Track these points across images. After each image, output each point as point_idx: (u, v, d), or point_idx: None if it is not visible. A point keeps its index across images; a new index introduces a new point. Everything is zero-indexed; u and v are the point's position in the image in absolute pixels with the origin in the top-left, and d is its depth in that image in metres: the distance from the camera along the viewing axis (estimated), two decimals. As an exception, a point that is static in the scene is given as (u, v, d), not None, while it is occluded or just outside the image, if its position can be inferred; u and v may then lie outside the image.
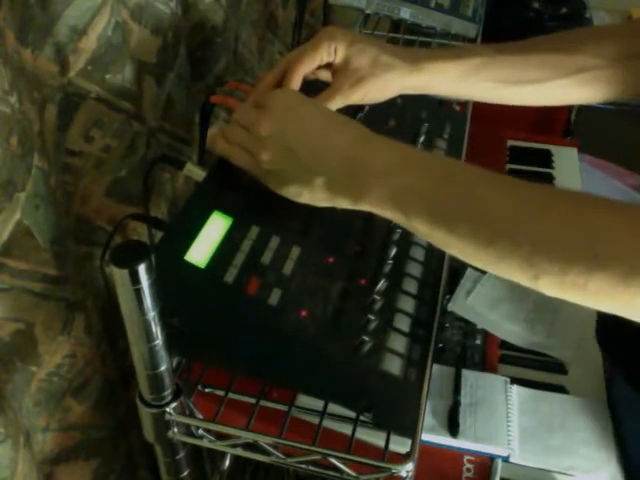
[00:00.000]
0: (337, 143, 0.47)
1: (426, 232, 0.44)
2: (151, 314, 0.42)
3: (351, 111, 0.65)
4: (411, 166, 0.46)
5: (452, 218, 0.43)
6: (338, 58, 0.59)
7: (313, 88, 0.59)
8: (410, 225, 0.45)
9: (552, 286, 0.41)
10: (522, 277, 0.42)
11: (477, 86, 0.61)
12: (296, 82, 0.58)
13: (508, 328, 0.74)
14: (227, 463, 0.82)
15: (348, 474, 0.48)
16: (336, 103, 0.58)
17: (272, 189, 0.51)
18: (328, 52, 0.59)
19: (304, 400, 0.55)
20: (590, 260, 0.39)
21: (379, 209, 0.45)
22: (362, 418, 0.49)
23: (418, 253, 0.57)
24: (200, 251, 0.49)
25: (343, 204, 0.47)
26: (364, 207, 0.46)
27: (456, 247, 0.44)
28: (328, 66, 0.61)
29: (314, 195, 0.48)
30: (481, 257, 0.43)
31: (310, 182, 0.47)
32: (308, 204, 0.50)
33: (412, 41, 0.97)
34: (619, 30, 0.65)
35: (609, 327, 0.70)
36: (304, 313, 0.48)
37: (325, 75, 0.62)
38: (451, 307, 0.75)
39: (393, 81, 0.59)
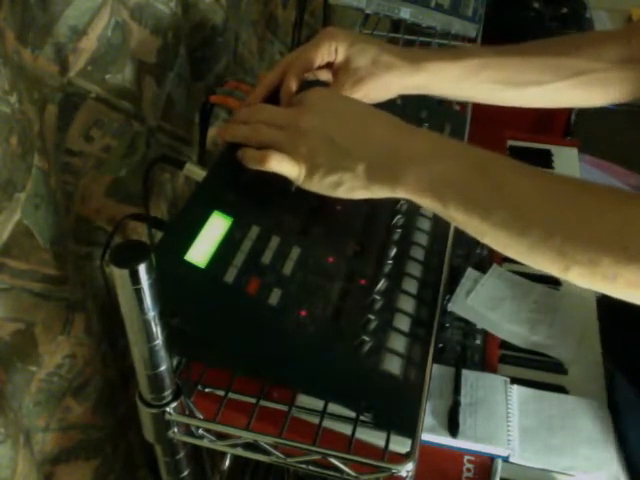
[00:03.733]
0: (376, 132, 0.48)
1: (462, 220, 0.46)
2: (151, 314, 0.42)
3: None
4: (448, 155, 0.47)
5: (487, 207, 0.44)
6: (339, 58, 0.59)
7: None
8: (447, 213, 0.46)
9: (583, 277, 0.42)
10: (553, 267, 0.43)
11: (477, 87, 0.62)
12: (296, 81, 0.59)
13: (508, 328, 0.74)
14: (227, 463, 0.82)
15: (348, 474, 0.48)
16: None
17: (308, 186, 0.50)
18: (329, 52, 0.59)
19: (304, 400, 0.55)
20: (620, 252, 0.40)
21: (416, 196, 0.47)
22: (362, 418, 0.49)
23: (418, 253, 0.57)
24: (200, 251, 0.49)
25: (380, 192, 0.48)
26: (401, 194, 0.47)
27: (490, 236, 0.45)
28: (328, 66, 0.61)
29: (353, 183, 0.48)
30: (514, 246, 0.44)
31: (351, 170, 0.47)
32: (341, 197, 0.50)
33: (412, 41, 0.97)
34: (617, 34, 0.65)
35: (613, 327, 0.70)
36: (304, 313, 0.48)
37: (325, 75, 0.62)
38: (451, 307, 0.75)
39: (393, 81, 0.60)
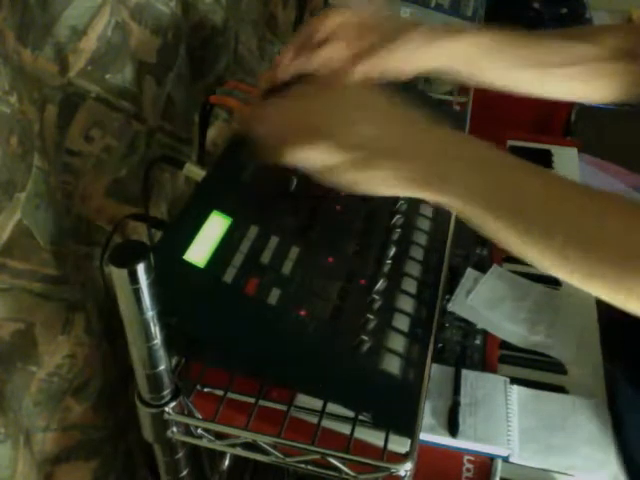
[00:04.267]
0: (421, 135, 0.47)
1: (494, 229, 0.45)
2: (150, 314, 0.42)
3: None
4: (484, 164, 0.47)
5: (517, 215, 0.44)
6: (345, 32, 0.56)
7: None
8: (476, 221, 0.45)
9: (585, 283, 0.42)
10: (560, 271, 0.43)
11: (490, 66, 0.60)
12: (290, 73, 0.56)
13: (508, 328, 0.74)
14: (226, 463, 0.82)
15: (347, 473, 0.48)
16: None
17: (340, 180, 0.47)
18: (331, 29, 0.57)
19: (303, 400, 0.55)
20: (622, 261, 0.39)
21: (446, 202, 0.45)
22: (361, 418, 0.49)
23: (417, 253, 0.57)
24: (199, 251, 0.49)
25: (409, 192, 0.46)
26: (428, 196, 0.46)
27: (521, 247, 0.45)
28: None
29: (389, 181, 0.46)
30: (512, 243, 0.45)
31: (394, 169, 0.45)
32: (370, 193, 0.47)
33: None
34: (620, 27, 0.65)
35: (614, 328, 0.70)
36: (303, 313, 0.48)
37: None
38: (451, 307, 0.75)
39: (411, 54, 0.58)
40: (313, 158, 0.47)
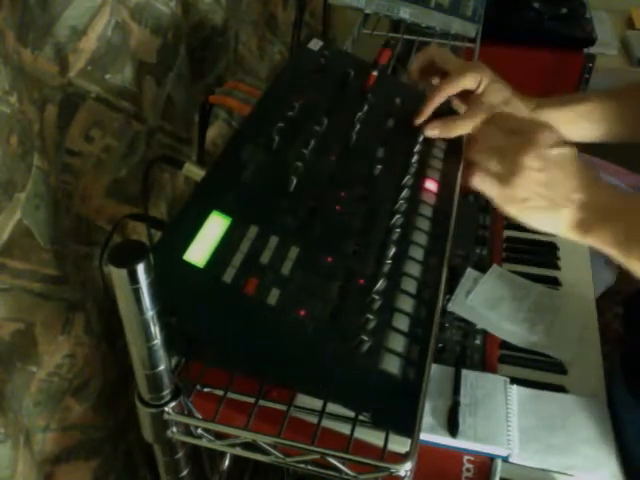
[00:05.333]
0: (585, 186, 0.53)
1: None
2: (149, 314, 0.42)
3: (351, 110, 0.65)
4: (637, 211, 0.53)
5: None
6: (480, 89, 0.68)
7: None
8: (630, 264, 0.52)
9: None
10: None
11: (588, 127, 0.70)
12: (444, 98, 0.67)
13: (508, 328, 0.74)
14: (226, 463, 0.82)
15: (347, 473, 0.48)
16: (468, 127, 0.66)
17: (508, 212, 0.55)
18: (473, 82, 0.67)
19: (303, 400, 0.55)
20: None
21: (601, 246, 0.53)
22: (361, 418, 0.49)
23: (417, 253, 0.56)
24: (199, 251, 0.49)
25: (570, 235, 0.54)
26: (587, 241, 0.53)
27: None
28: (463, 93, 0.69)
29: (553, 223, 0.54)
30: None
31: (557, 212, 0.53)
32: (526, 224, 0.55)
33: (412, 41, 0.97)
34: None
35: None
36: (303, 313, 0.48)
37: (455, 102, 0.71)
38: (451, 307, 0.75)
39: None
40: (499, 194, 0.54)
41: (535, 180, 0.52)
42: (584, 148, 0.98)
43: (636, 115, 0.69)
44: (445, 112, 0.69)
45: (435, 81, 0.73)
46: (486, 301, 0.76)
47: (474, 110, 0.68)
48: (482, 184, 0.55)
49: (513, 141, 0.54)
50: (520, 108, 0.69)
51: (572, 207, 0.53)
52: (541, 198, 0.53)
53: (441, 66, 0.70)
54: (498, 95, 0.68)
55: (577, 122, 0.69)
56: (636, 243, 0.51)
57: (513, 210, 0.54)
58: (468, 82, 0.68)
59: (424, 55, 0.72)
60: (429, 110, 0.68)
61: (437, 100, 0.68)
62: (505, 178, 0.53)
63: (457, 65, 0.70)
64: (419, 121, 0.67)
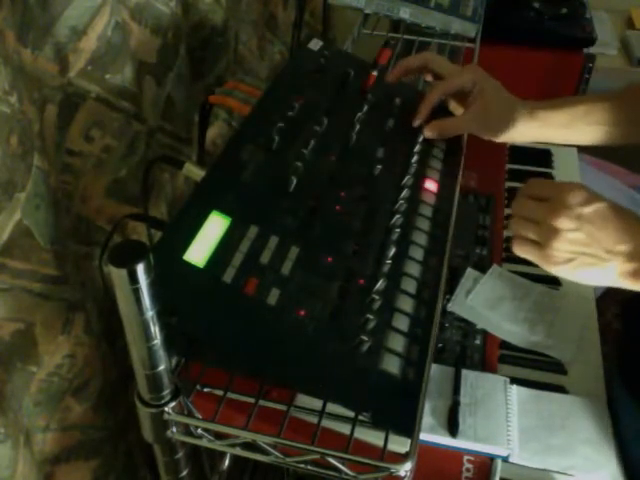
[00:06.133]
0: (626, 236, 0.53)
1: None
2: (149, 314, 0.42)
3: (351, 110, 0.65)
4: None
5: None
6: (476, 90, 0.68)
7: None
8: None
9: None
10: None
11: (585, 129, 0.70)
12: (438, 98, 0.69)
13: (508, 328, 0.74)
14: (226, 463, 0.82)
15: (347, 473, 0.48)
16: (469, 127, 0.69)
17: (558, 273, 0.56)
18: (468, 82, 0.68)
19: (303, 400, 0.55)
20: None
21: None
22: (361, 418, 0.49)
23: (417, 253, 0.57)
24: (199, 251, 0.49)
25: (620, 284, 0.54)
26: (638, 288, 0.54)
27: None
28: (460, 94, 0.70)
29: (602, 278, 0.54)
30: None
31: (603, 267, 0.53)
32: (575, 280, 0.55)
33: (412, 41, 0.97)
34: None
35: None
36: (302, 313, 0.48)
37: (452, 104, 0.73)
38: (451, 307, 0.75)
39: (514, 121, 0.68)
40: (542, 258, 0.55)
41: (573, 241, 0.53)
42: (585, 148, 0.98)
43: (632, 118, 0.69)
44: (443, 112, 0.70)
45: (429, 78, 0.73)
46: (486, 301, 0.76)
47: (470, 112, 0.68)
48: (523, 252, 0.56)
49: (545, 207, 0.55)
50: (518, 110, 0.69)
51: (619, 259, 0.53)
52: (584, 256, 0.53)
53: (436, 71, 0.71)
54: (495, 95, 0.68)
55: (573, 125, 0.69)
56: None
57: (560, 271, 0.55)
58: (464, 82, 0.68)
59: (416, 60, 0.72)
60: (426, 110, 0.68)
61: (433, 100, 0.68)
62: (543, 244, 0.54)
63: (452, 68, 0.70)
64: (417, 122, 0.68)
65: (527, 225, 0.55)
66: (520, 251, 0.56)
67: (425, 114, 0.68)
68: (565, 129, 0.69)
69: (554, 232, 0.53)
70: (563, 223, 0.53)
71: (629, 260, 0.52)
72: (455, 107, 0.72)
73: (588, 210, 0.53)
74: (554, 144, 0.92)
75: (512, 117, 0.67)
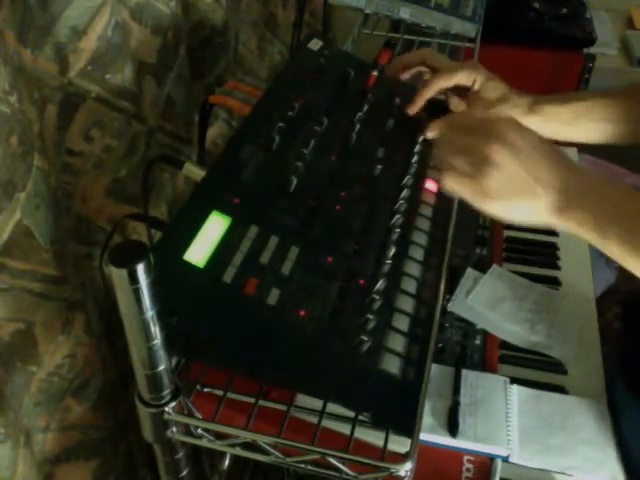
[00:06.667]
0: (553, 167, 0.52)
1: (619, 255, 0.50)
2: (149, 313, 0.42)
3: (351, 110, 0.65)
4: (612, 194, 0.52)
5: None
6: (475, 87, 0.68)
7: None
8: (606, 247, 0.50)
9: None
10: None
11: (587, 126, 0.69)
12: (434, 92, 0.68)
13: (508, 328, 0.74)
14: (226, 463, 0.82)
15: (347, 473, 0.48)
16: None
17: (486, 208, 0.54)
18: (468, 79, 0.68)
19: (303, 400, 0.55)
20: None
21: (579, 229, 0.51)
22: (361, 418, 0.49)
23: (417, 253, 0.57)
24: (199, 251, 0.49)
25: (549, 220, 0.52)
26: (566, 225, 0.52)
27: None
28: (459, 90, 0.70)
29: (529, 211, 0.52)
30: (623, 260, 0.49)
31: (530, 199, 0.52)
32: (508, 220, 0.54)
33: (412, 41, 0.97)
34: None
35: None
36: (302, 313, 0.48)
37: (454, 103, 0.72)
38: (451, 307, 0.75)
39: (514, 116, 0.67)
40: (474, 193, 0.53)
41: (505, 171, 0.51)
42: (585, 148, 0.99)
43: (636, 116, 0.69)
44: (444, 112, 0.70)
45: (427, 76, 0.73)
46: (486, 301, 0.76)
47: (473, 108, 0.68)
48: (456, 186, 0.53)
49: (475, 138, 0.53)
50: (517, 104, 0.69)
51: (548, 190, 0.51)
52: (515, 188, 0.51)
53: (435, 67, 0.71)
54: (495, 92, 0.68)
55: (576, 121, 0.69)
56: (611, 225, 0.50)
57: (491, 207, 0.53)
58: (462, 77, 0.68)
59: (415, 54, 0.72)
60: (421, 100, 0.68)
61: (429, 91, 0.68)
62: (476, 175, 0.52)
63: (450, 64, 0.70)
64: (412, 111, 0.68)
65: (458, 157, 0.53)
66: (453, 184, 0.54)
67: (420, 104, 0.68)
68: (568, 125, 0.69)
69: (487, 162, 0.51)
70: (495, 153, 0.51)
71: (559, 193, 0.51)
72: (456, 105, 0.72)
73: (520, 140, 0.52)
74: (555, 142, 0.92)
75: (509, 114, 0.66)
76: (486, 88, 0.68)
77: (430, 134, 0.65)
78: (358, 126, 0.64)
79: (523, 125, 0.53)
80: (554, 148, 0.53)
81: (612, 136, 0.70)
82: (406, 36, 0.99)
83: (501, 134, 0.52)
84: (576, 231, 0.51)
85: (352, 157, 0.62)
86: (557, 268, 0.84)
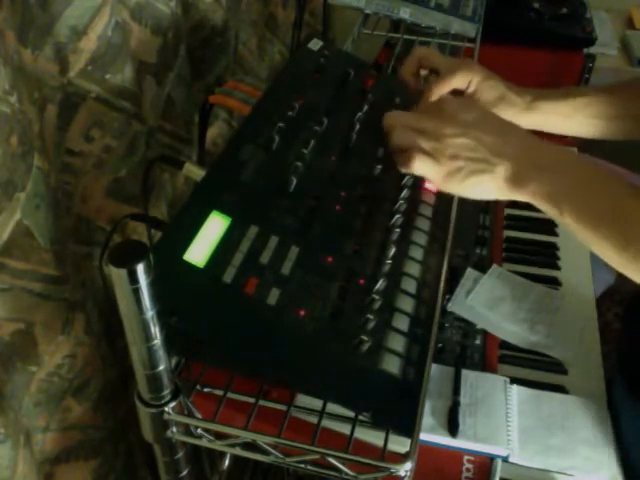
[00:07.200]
0: (511, 140, 0.54)
1: (574, 228, 0.51)
2: (149, 313, 0.42)
3: (351, 110, 0.65)
4: (569, 167, 0.52)
5: (596, 220, 0.50)
6: (471, 88, 0.68)
7: None
8: (562, 219, 0.51)
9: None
10: None
11: (584, 122, 0.70)
12: (432, 100, 0.67)
13: (508, 328, 0.74)
14: (226, 463, 0.82)
15: (347, 473, 0.48)
16: None
17: (449, 188, 0.55)
18: (463, 81, 0.67)
19: (303, 400, 0.55)
20: None
21: (537, 201, 0.52)
22: (361, 418, 0.49)
23: (417, 253, 0.57)
24: (199, 251, 0.49)
25: (510, 194, 0.53)
26: (525, 198, 0.52)
27: (597, 246, 0.51)
28: (456, 92, 0.69)
29: (490, 185, 0.53)
30: (615, 259, 0.50)
31: (490, 173, 0.53)
32: (473, 197, 0.55)
33: (412, 41, 0.97)
34: None
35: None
36: (302, 313, 0.48)
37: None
38: (451, 307, 0.75)
39: (513, 116, 0.68)
40: (438, 173, 0.54)
41: (462, 145, 0.53)
42: (585, 148, 0.98)
43: (633, 111, 0.69)
44: None
45: (424, 73, 0.73)
46: (486, 301, 0.76)
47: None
48: (422, 166, 0.54)
49: (426, 119, 0.54)
50: (516, 102, 0.69)
51: (505, 161, 0.52)
52: (474, 162, 0.53)
53: (432, 67, 0.71)
54: (492, 92, 0.68)
55: (573, 116, 0.69)
56: (566, 197, 0.51)
57: (454, 185, 0.54)
58: (458, 82, 0.68)
59: (413, 57, 0.72)
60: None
61: (426, 102, 0.67)
62: (437, 153, 0.53)
63: (447, 63, 0.70)
64: None
65: (417, 136, 0.54)
66: (420, 166, 0.54)
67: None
68: (566, 120, 0.69)
69: (443, 139, 0.53)
70: (449, 129, 0.53)
71: (513, 163, 0.52)
72: None
73: (471, 115, 0.54)
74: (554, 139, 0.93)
75: (508, 113, 0.67)
76: (482, 89, 0.68)
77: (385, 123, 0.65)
78: (358, 126, 0.64)
79: (469, 101, 0.55)
80: (504, 119, 0.55)
81: (608, 132, 0.70)
82: (406, 36, 0.99)
83: (449, 111, 0.54)
84: (532, 201, 0.52)
85: (352, 157, 0.62)
86: (557, 268, 0.84)
